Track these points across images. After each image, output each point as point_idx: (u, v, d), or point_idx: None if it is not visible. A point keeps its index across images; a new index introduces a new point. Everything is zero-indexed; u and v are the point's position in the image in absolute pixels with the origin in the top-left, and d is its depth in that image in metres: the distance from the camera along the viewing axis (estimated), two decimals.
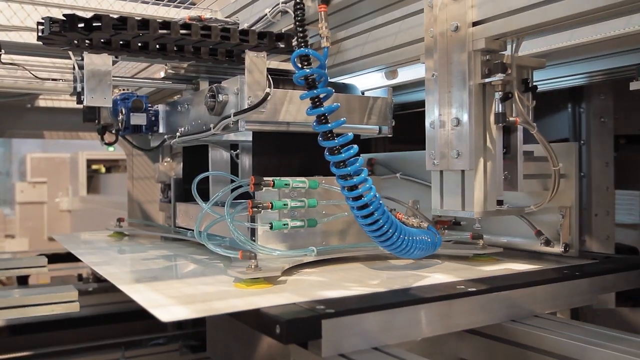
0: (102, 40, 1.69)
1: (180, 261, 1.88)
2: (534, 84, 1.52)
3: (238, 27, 1.91)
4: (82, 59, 1.87)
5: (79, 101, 1.96)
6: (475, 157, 1.37)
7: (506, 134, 1.47)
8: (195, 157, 2.36)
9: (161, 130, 2.33)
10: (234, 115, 1.70)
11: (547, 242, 1.71)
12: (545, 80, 2.06)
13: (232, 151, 2.25)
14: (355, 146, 1.47)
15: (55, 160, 7.93)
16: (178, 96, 2.53)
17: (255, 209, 1.60)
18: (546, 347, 1.27)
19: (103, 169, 7.63)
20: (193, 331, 3.36)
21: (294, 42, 1.60)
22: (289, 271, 1.56)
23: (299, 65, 1.51)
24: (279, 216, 1.69)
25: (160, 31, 1.66)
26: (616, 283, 1.61)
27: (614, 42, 1.65)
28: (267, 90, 1.71)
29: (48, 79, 2.29)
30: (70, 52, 1.92)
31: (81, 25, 1.59)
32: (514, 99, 1.41)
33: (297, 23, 1.55)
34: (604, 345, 1.21)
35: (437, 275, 1.52)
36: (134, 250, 2.14)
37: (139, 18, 1.64)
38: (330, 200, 1.77)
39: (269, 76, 1.73)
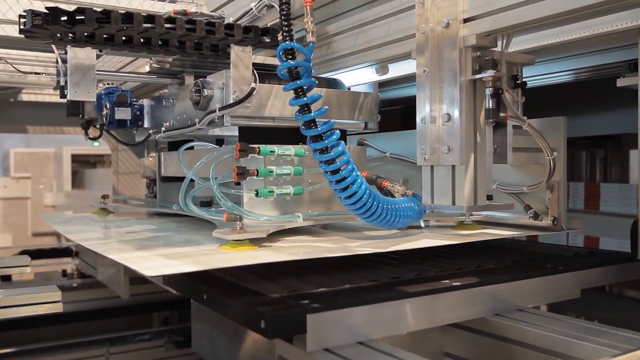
0: (85, 34, 1.66)
1: (166, 232, 1.90)
2: (523, 80, 1.52)
3: (223, 21, 1.89)
4: (66, 53, 1.84)
5: (63, 95, 1.94)
6: (465, 152, 1.37)
7: (497, 125, 1.47)
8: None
9: (146, 125, 2.32)
10: (219, 110, 1.69)
11: (536, 216, 1.72)
12: (534, 76, 2.07)
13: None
14: (338, 131, 1.48)
15: (40, 155, 7.84)
16: (164, 90, 2.50)
17: (241, 175, 1.61)
18: (530, 340, 1.28)
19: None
20: (178, 327, 3.35)
21: (280, 37, 1.59)
22: (274, 237, 1.57)
23: (284, 59, 1.49)
24: (264, 184, 1.70)
25: (144, 25, 1.64)
26: (600, 277, 1.63)
27: (601, 39, 1.66)
28: (253, 84, 1.70)
29: (31, 73, 2.25)
30: (54, 46, 1.89)
31: (64, 18, 1.56)
32: (503, 95, 1.41)
33: (283, 17, 1.53)
34: (587, 339, 1.22)
35: (423, 240, 1.56)
36: (119, 225, 2.16)
37: (122, 11, 1.62)
38: (317, 168, 1.75)
39: (255, 71, 1.72)
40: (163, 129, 2.09)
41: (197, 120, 1.80)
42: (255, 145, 1.64)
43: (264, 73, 1.78)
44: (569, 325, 1.31)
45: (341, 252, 1.41)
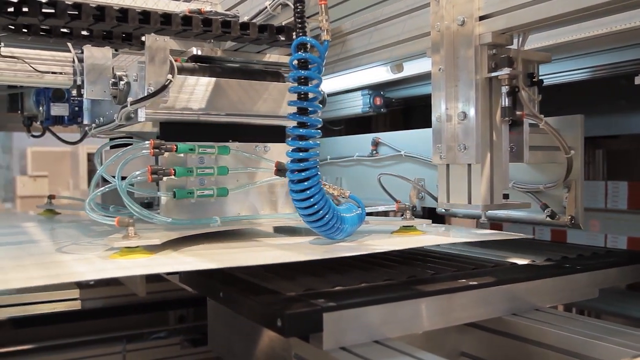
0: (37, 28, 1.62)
1: (61, 237, 1.81)
2: (540, 78, 1.51)
3: (238, 20, 1.89)
4: (82, 52, 1.86)
5: (79, 94, 1.95)
6: (481, 151, 1.36)
7: (513, 123, 1.46)
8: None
9: (85, 121, 2.18)
10: (130, 105, 1.59)
11: (553, 215, 1.71)
12: (550, 74, 2.05)
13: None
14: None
15: (56, 153, 7.92)
16: None
17: (155, 176, 1.51)
18: (547, 340, 1.27)
19: None
20: (194, 325, 3.36)
21: (294, 35, 1.59)
22: (188, 243, 1.51)
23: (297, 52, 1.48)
24: (187, 184, 1.61)
25: (160, 25, 1.64)
26: (619, 277, 1.61)
27: (619, 36, 1.64)
28: (169, 76, 1.60)
29: (48, 72, 2.27)
30: (70, 45, 1.91)
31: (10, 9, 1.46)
32: (520, 93, 1.40)
33: (297, 15, 1.53)
34: (605, 339, 1.21)
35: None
36: (42, 228, 2.10)
37: (139, 10, 1.62)
38: (243, 168, 1.70)
39: (172, 61, 1.62)
40: (93, 125, 2.00)
41: (115, 116, 1.70)
42: (173, 143, 1.55)
43: (205, 66, 1.73)
44: (587, 325, 1.30)
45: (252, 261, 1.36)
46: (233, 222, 1.69)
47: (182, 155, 1.63)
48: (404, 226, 1.73)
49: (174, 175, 1.56)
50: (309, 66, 1.43)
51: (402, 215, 1.78)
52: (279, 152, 1.80)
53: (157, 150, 1.54)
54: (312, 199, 1.43)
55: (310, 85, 1.44)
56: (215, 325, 1.84)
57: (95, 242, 1.64)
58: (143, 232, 1.46)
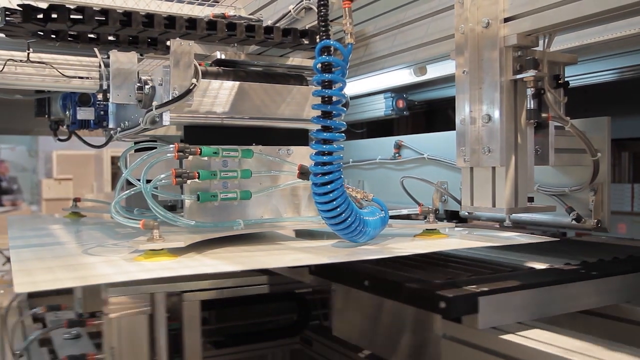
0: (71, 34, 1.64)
1: (87, 239, 1.84)
2: (566, 79, 1.49)
3: (262, 24, 1.90)
4: (108, 57, 1.88)
5: (105, 99, 1.97)
6: (506, 153, 1.35)
7: (539, 126, 1.45)
8: None
9: (110, 125, 2.19)
10: (155, 109, 1.59)
11: (579, 219, 1.69)
12: (576, 76, 2.03)
13: None
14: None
15: (81, 157, 8.04)
16: None
17: (180, 179, 1.51)
18: None
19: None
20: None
21: (318, 39, 1.59)
22: (212, 246, 1.53)
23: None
24: (210, 187, 1.62)
25: (185, 29, 1.66)
26: None
27: None
28: (193, 80, 1.60)
29: (75, 77, 2.31)
30: (96, 49, 1.94)
31: (39, 16, 1.50)
32: (545, 95, 1.39)
33: (321, 19, 1.53)
34: None
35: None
36: (68, 230, 2.12)
37: (165, 15, 1.65)
38: (267, 171, 1.70)
39: (197, 65, 1.63)
40: (119, 129, 2.02)
41: (140, 120, 1.70)
42: (197, 146, 1.56)
43: (229, 70, 1.73)
44: None
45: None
46: (256, 225, 1.70)
47: (205, 158, 1.64)
48: (427, 229, 1.73)
49: (198, 178, 1.57)
50: (333, 69, 1.44)
51: (425, 218, 1.77)
52: (302, 155, 1.81)
53: (181, 153, 1.55)
54: (335, 202, 1.43)
55: (334, 88, 1.44)
56: (342, 312, 1.88)
57: (120, 244, 1.66)
58: (167, 235, 1.47)
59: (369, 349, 1.87)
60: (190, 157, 1.61)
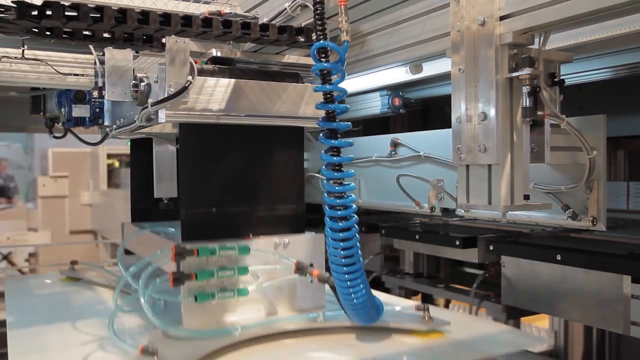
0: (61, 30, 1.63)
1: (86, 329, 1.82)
2: (561, 77, 1.50)
3: (258, 22, 1.90)
4: (103, 54, 1.88)
5: (101, 96, 1.97)
6: (502, 151, 1.35)
7: (534, 124, 1.45)
8: (142, 152, 2.29)
9: (106, 122, 2.19)
10: (151, 106, 1.60)
11: (574, 216, 1.70)
12: (572, 74, 2.04)
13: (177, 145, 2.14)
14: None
15: (77, 154, 8.02)
16: None
17: (177, 281, 1.53)
18: None
19: (117, 164, 7.70)
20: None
21: (314, 37, 1.59)
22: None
23: (318, 58, 1.49)
24: (207, 285, 1.63)
25: (181, 27, 1.66)
26: None
27: None
28: (189, 78, 1.58)
29: (70, 74, 2.30)
30: (91, 47, 1.93)
31: (34, 13, 1.49)
32: (541, 93, 1.39)
33: (317, 17, 1.53)
34: None
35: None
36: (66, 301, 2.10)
37: (160, 13, 1.64)
38: (264, 266, 1.72)
39: (192, 63, 1.62)
40: (114, 126, 2.02)
41: (135, 117, 1.71)
42: (194, 247, 1.58)
43: (225, 68, 1.73)
44: None
45: None
46: (254, 329, 1.67)
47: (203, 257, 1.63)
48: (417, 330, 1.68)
49: (195, 279, 1.58)
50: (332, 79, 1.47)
51: (419, 309, 1.74)
52: (300, 246, 1.82)
53: (179, 256, 1.57)
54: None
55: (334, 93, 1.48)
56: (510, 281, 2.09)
57: (121, 345, 1.60)
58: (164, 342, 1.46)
59: None
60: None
